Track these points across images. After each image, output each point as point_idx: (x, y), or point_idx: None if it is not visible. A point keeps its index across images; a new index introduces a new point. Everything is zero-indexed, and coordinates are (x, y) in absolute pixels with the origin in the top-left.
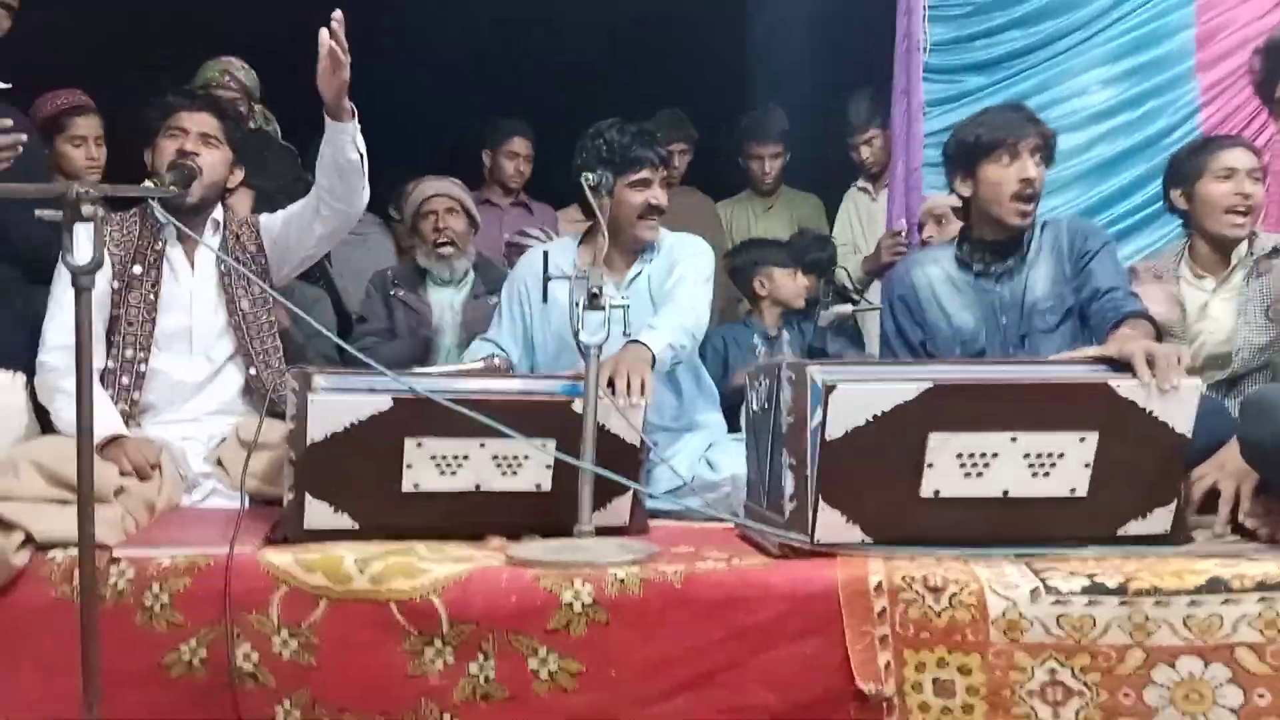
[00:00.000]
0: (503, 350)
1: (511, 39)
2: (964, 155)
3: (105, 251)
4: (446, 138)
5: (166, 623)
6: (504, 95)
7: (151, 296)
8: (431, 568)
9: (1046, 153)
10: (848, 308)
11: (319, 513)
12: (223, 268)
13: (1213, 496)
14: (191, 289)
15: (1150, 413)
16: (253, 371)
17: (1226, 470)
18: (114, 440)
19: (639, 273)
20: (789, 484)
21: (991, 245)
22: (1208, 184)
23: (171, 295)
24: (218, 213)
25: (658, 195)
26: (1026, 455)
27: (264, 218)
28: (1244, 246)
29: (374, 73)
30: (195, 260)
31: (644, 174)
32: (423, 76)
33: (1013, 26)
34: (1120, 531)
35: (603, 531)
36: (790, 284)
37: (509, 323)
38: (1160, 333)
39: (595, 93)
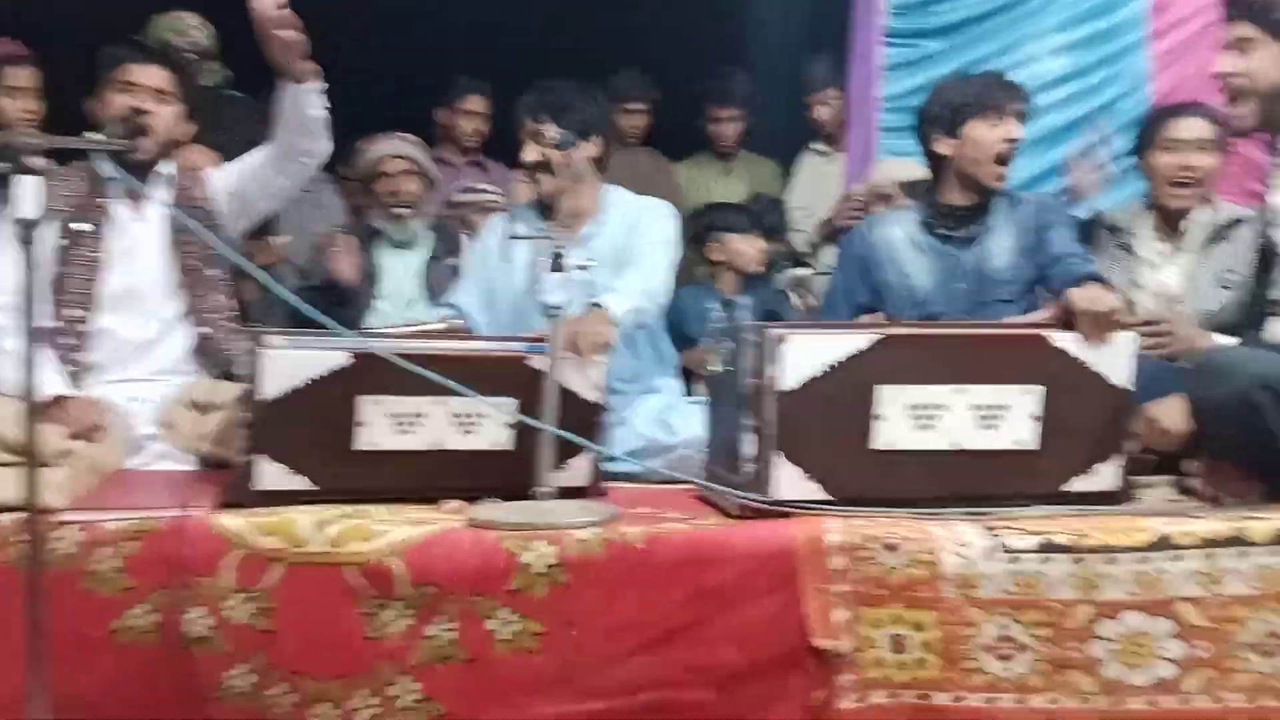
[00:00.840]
0: (462, 313)
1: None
2: (950, 114)
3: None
4: (399, 93)
5: (116, 587)
6: (460, 52)
7: (97, 254)
8: (390, 529)
9: (1023, 119)
10: (806, 271)
11: (273, 474)
12: (174, 224)
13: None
14: (139, 246)
15: (1086, 364)
16: (203, 330)
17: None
18: (58, 401)
19: (592, 234)
20: (748, 445)
21: (958, 210)
22: (1155, 154)
23: (118, 252)
24: (169, 168)
25: (529, 153)
26: (975, 407)
27: (214, 171)
28: (1201, 215)
29: (323, 26)
30: (143, 216)
31: (524, 128)
32: (375, 31)
33: None
34: (1066, 487)
35: (563, 493)
36: (746, 249)
37: (474, 280)
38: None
39: (555, 52)
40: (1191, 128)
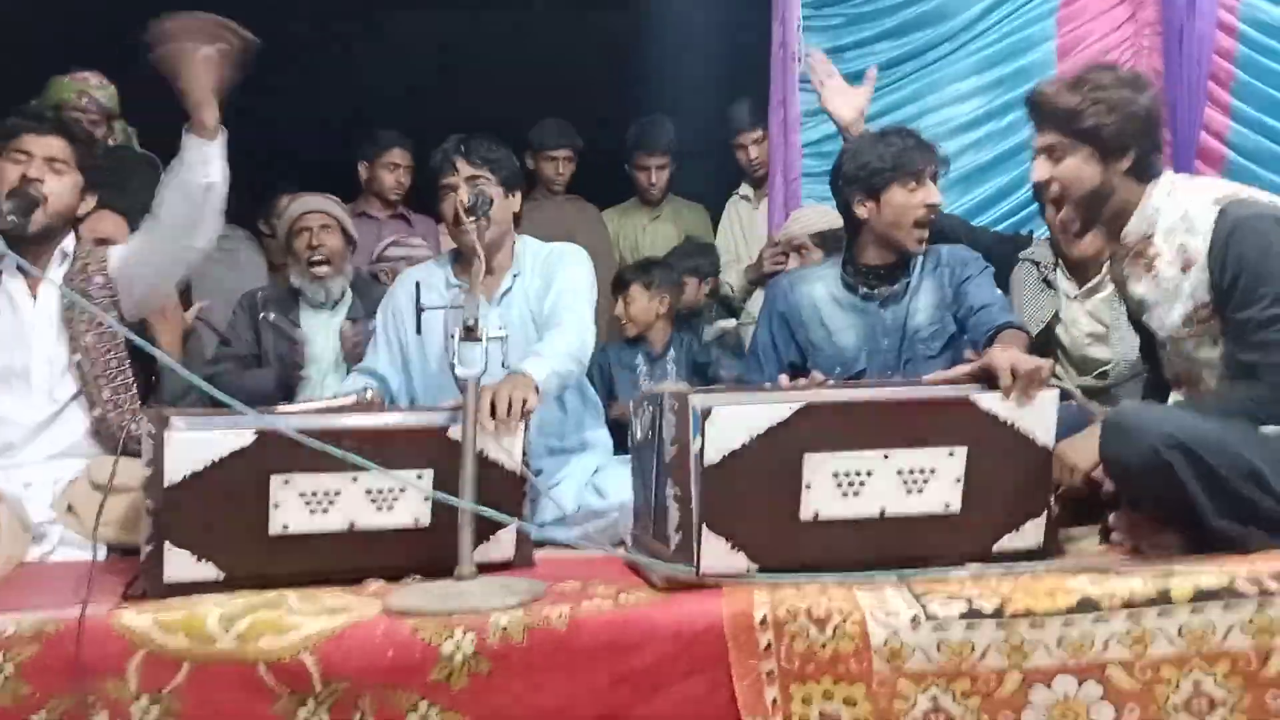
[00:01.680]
0: (380, 381)
1: (391, 48)
2: (868, 177)
3: None
4: (320, 147)
5: (12, 695)
6: (381, 105)
7: None
8: (303, 622)
9: (937, 180)
10: (731, 322)
11: (180, 563)
12: (65, 301)
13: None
14: (32, 323)
15: (1012, 425)
16: (97, 413)
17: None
18: None
19: (509, 288)
20: (674, 514)
21: (877, 269)
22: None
23: (9, 330)
24: (67, 242)
25: (463, 198)
26: (900, 472)
27: (115, 247)
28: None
29: (244, 81)
30: (37, 293)
31: (444, 181)
32: (295, 85)
33: (884, 38)
34: (995, 547)
35: (487, 568)
36: (642, 302)
37: (385, 349)
38: (1033, 344)
39: (479, 102)
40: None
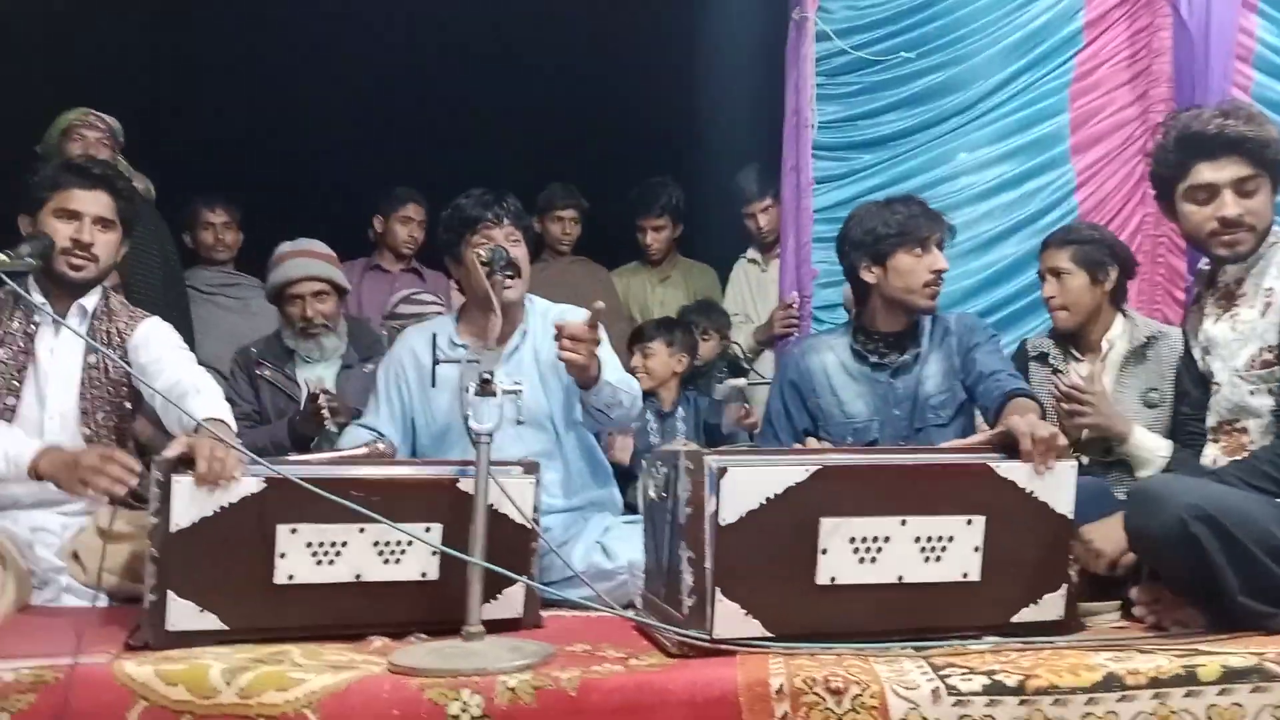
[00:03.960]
0: (377, 432)
1: (406, 108)
2: (874, 242)
3: None
4: (336, 203)
5: None
6: (397, 162)
7: (16, 385)
8: (307, 678)
9: (943, 248)
10: (741, 381)
11: (183, 613)
12: (91, 359)
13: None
14: (47, 373)
15: (1031, 493)
16: None
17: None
18: None
19: (517, 345)
20: (687, 577)
21: (886, 337)
22: (1040, 283)
23: (29, 382)
24: (89, 300)
25: (480, 254)
26: (917, 539)
27: (140, 332)
28: (1115, 331)
29: (259, 140)
30: (57, 348)
31: (484, 229)
32: (315, 142)
33: (898, 107)
34: (1014, 619)
35: (494, 626)
36: (663, 358)
37: (387, 406)
38: (1044, 410)
39: (488, 163)
40: (1045, 258)
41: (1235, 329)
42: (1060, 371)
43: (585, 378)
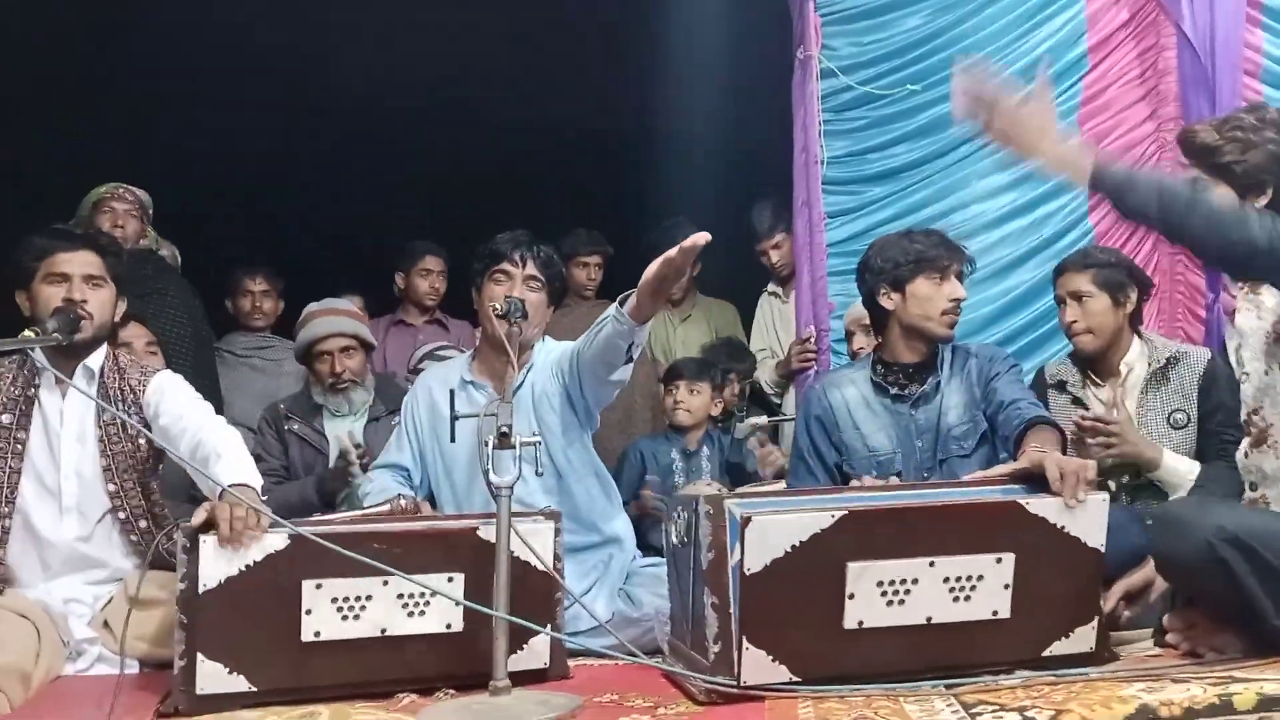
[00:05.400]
0: (403, 472)
1: (430, 162)
2: (894, 268)
3: None
4: (363, 259)
5: None
6: (421, 215)
7: (19, 448)
8: None
9: (963, 279)
10: (762, 419)
11: (213, 676)
12: (105, 417)
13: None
14: (63, 439)
15: (1062, 528)
16: (132, 535)
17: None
18: None
19: (520, 382)
20: (712, 623)
21: (906, 368)
22: (1059, 309)
23: (40, 446)
24: (93, 360)
25: (518, 289)
26: (946, 579)
27: (154, 387)
28: (1133, 354)
29: (282, 192)
30: (66, 410)
31: (503, 266)
32: (340, 196)
33: (906, 139)
34: (1045, 653)
35: (521, 678)
36: (706, 396)
37: (408, 448)
38: (1065, 439)
39: (509, 212)
40: (1065, 282)
41: (1260, 317)
42: (1079, 400)
43: (662, 300)
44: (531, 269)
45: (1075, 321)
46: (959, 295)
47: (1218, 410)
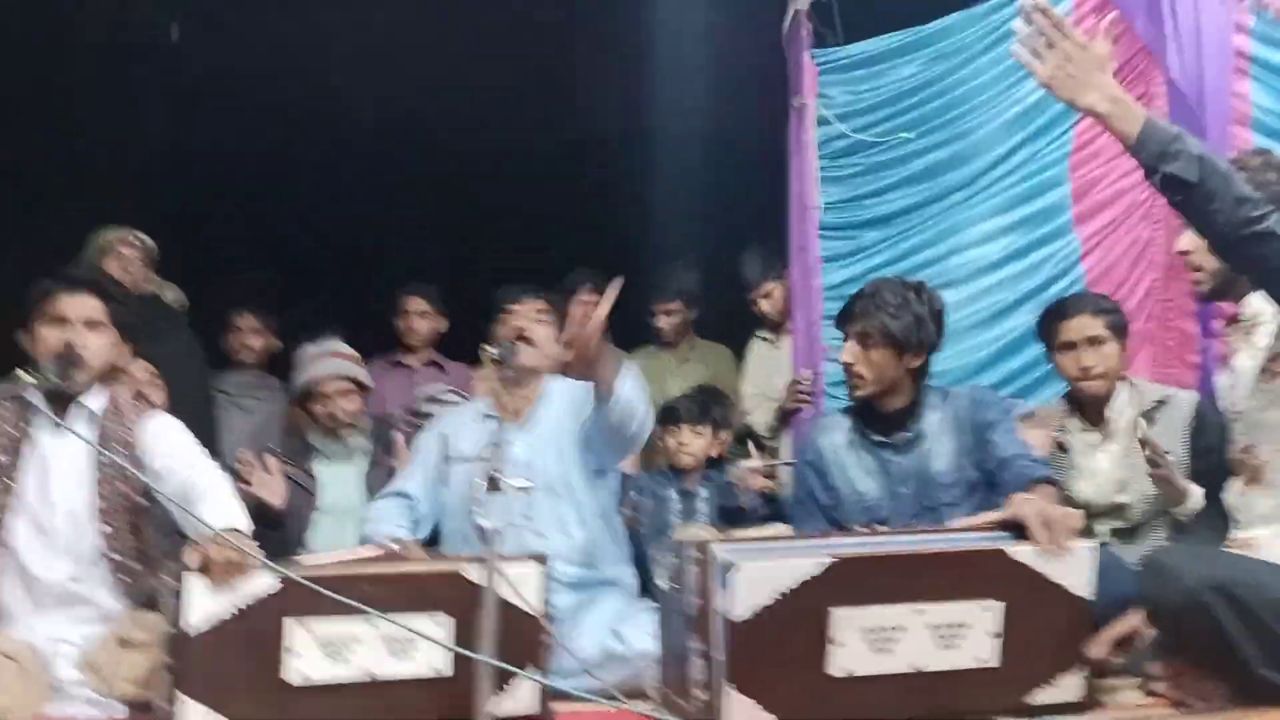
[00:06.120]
0: (409, 501)
1: (431, 201)
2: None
3: None
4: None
5: None
6: (422, 255)
7: (11, 486)
8: None
9: None
10: (756, 461)
11: (195, 718)
12: (102, 459)
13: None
14: (58, 479)
15: (1047, 577)
16: (124, 576)
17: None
18: None
19: (538, 415)
20: (698, 670)
21: (887, 415)
22: (1056, 355)
23: (37, 486)
24: (94, 401)
25: (522, 324)
26: (934, 627)
27: (150, 430)
28: (1122, 399)
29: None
30: (62, 450)
31: (506, 309)
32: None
33: (901, 185)
34: (1030, 700)
35: None
36: (708, 439)
37: (421, 474)
38: (1064, 493)
39: (506, 251)
40: (1079, 327)
41: (1252, 358)
42: (1064, 446)
43: (590, 375)
44: (532, 300)
45: (1093, 366)
46: (844, 359)
47: (1207, 452)
